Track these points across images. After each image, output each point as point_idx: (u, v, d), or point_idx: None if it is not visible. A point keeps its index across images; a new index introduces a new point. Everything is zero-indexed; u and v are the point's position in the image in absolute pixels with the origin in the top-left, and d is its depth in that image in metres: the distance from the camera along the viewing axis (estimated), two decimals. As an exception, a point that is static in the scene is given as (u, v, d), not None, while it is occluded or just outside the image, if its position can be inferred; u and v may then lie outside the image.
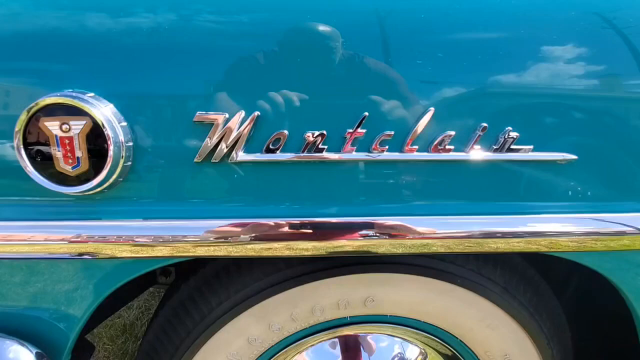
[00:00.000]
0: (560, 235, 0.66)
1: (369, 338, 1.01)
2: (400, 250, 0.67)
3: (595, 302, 1.08)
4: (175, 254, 0.62)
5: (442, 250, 0.66)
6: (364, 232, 0.64)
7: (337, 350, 1.01)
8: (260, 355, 0.89)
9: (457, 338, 0.92)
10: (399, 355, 1.04)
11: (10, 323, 0.67)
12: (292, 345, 0.91)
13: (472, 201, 0.64)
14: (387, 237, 0.64)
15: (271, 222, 0.63)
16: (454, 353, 0.99)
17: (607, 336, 1.03)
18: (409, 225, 0.63)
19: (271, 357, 0.91)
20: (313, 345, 0.95)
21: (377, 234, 0.64)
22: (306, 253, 0.65)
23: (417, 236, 0.64)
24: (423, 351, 1.03)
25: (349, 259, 0.80)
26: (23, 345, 0.66)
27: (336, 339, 0.98)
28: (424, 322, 0.90)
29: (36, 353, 0.66)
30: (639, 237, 0.66)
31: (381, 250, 0.66)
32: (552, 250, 0.67)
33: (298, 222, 0.63)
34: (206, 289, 0.85)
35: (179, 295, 0.88)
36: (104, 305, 1.13)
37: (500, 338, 0.90)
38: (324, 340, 0.95)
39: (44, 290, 0.67)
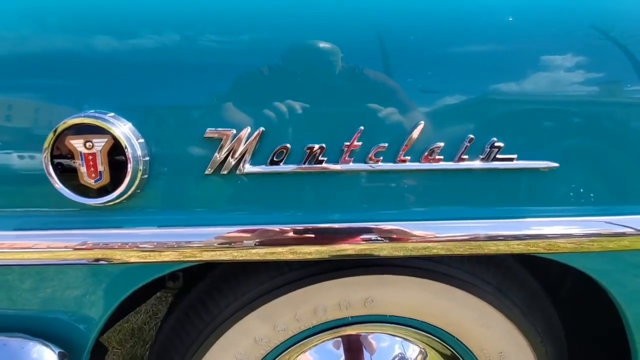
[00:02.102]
0: (543, 237, 0.71)
1: (370, 338, 1.06)
2: (396, 253, 0.72)
3: (586, 303, 1.12)
4: (188, 259, 0.67)
5: (437, 252, 0.71)
6: (363, 236, 0.69)
7: (340, 350, 1.05)
8: (267, 355, 0.94)
9: (454, 337, 0.96)
10: (400, 355, 1.08)
11: (35, 325, 0.72)
12: (296, 345, 0.96)
13: (461, 206, 0.69)
14: (384, 241, 0.69)
15: (276, 228, 0.68)
16: (453, 353, 1.03)
17: (599, 335, 1.06)
18: (403, 229, 0.69)
19: (277, 356, 0.96)
20: (317, 344, 1.00)
21: (376, 238, 0.69)
22: (309, 257, 0.70)
23: (412, 239, 0.69)
24: (423, 350, 1.07)
25: (348, 262, 0.85)
26: (47, 345, 0.71)
27: (339, 339, 1.03)
28: (421, 321, 0.94)
29: (59, 353, 0.71)
30: (618, 239, 0.71)
31: (381, 253, 0.71)
32: (536, 251, 0.72)
33: (301, 228, 0.68)
34: (215, 292, 0.90)
35: (189, 299, 0.94)
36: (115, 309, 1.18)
37: (495, 337, 0.94)
38: (327, 340, 1.00)
39: (64, 294, 0.72)
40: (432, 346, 1.04)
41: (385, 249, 0.71)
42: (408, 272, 0.87)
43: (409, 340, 1.05)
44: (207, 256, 0.68)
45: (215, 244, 0.67)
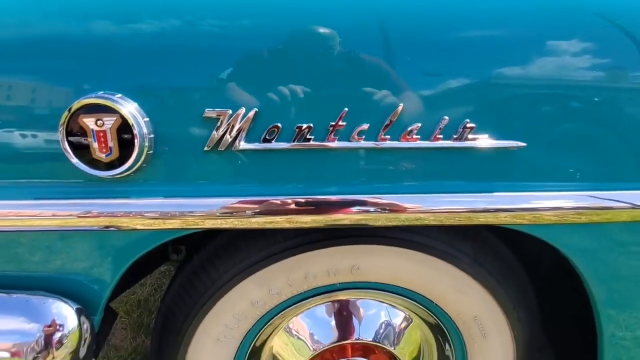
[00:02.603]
0: (510, 210, 0.78)
1: (358, 304, 1.15)
2: (378, 223, 0.79)
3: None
4: (190, 227, 0.75)
5: (411, 222, 0.79)
6: (355, 207, 0.76)
7: (331, 317, 1.14)
8: (262, 316, 1.03)
9: (433, 302, 1.05)
10: (386, 321, 1.18)
11: (55, 285, 0.81)
12: (289, 308, 1.05)
13: (436, 181, 0.77)
14: (367, 212, 0.76)
15: (271, 199, 0.75)
16: (435, 320, 1.12)
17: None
18: (384, 201, 0.76)
19: (271, 318, 1.05)
20: (309, 308, 1.09)
21: (359, 210, 0.76)
22: (305, 225, 0.78)
23: (386, 210, 0.77)
24: (408, 317, 1.16)
25: (337, 233, 0.93)
26: (65, 302, 0.80)
27: (329, 305, 1.12)
28: (403, 288, 1.03)
29: (76, 309, 0.80)
30: (578, 212, 0.78)
31: (366, 222, 0.78)
32: (504, 222, 0.79)
33: (295, 199, 0.75)
34: (215, 259, 0.99)
35: (192, 265, 1.02)
36: (123, 278, 1.28)
37: (470, 302, 1.03)
38: (318, 304, 1.09)
39: (80, 257, 0.81)
40: (416, 312, 1.14)
41: (369, 220, 0.78)
42: (391, 242, 0.95)
43: (394, 307, 1.14)
44: (209, 224, 0.76)
45: (217, 214, 0.75)
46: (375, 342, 1.10)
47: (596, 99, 0.76)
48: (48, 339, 0.77)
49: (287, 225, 0.79)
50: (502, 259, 1.06)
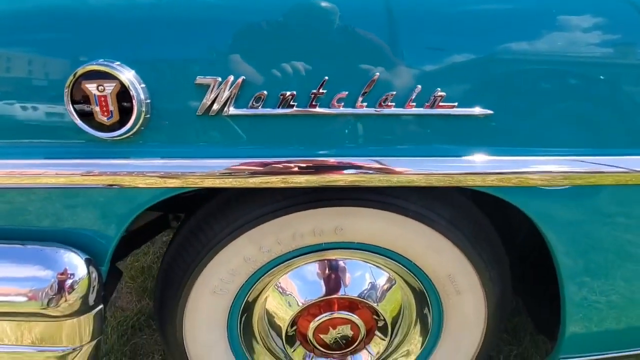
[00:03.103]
0: (478, 173, 0.85)
1: (344, 263, 1.23)
2: (356, 183, 0.86)
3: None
4: (188, 185, 0.83)
5: (382, 184, 0.86)
6: (345, 170, 0.82)
7: (319, 275, 1.23)
8: (254, 272, 1.12)
9: (411, 261, 1.14)
10: (371, 281, 1.27)
11: (67, 238, 0.90)
12: (280, 266, 1.14)
13: (410, 145, 0.84)
14: (342, 174, 0.84)
15: (260, 160, 0.82)
16: (417, 283, 1.21)
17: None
18: (358, 163, 0.84)
19: (263, 274, 1.15)
20: (298, 266, 1.18)
21: (335, 170, 0.84)
22: (299, 185, 0.84)
23: (369, 172, 0.84)
24: (391, 278, 1.25)
25: (322, 196, 1.01)
26: (76, 252, 0.89)
27: (317, 264, 1.21)
28: (384, 248, 1.12)
29: (85, 259, 0.90)
30: (539, 176, 0.86)
31: (341, 183, 0.85)
32: (472, 185, 0.87)
33: (288, 161, 0.82)
34: (211, 219, 1.07)
35: (189, 225, 1.11)
36: (128, 238, 1.37)
37: (444, 261, 1.12)
38: (307, 263, 1.18)
39: (87, 213, 0.89)
40: (398, 273, 1.23)
41: (338, 180, 0.85)
42: (373, 205, 1.03)
43: (379, 267, 1.23)
44: (208, 183, 0.83)
45: (217, 174, 0.82)
46: (360, 298, 1.20)
47: (560, 68, 0.81)
48: (61, 284, 0.86)
49: (281, 185, 0.86)
50: (476, 223, 1.14)
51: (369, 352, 1.31)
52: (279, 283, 1.20)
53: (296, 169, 0.83)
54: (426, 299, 1.23)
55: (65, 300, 0.87)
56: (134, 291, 2.17)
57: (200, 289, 1.11)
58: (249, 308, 1.22)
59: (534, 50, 0.79)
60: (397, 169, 0.84)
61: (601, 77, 0.83)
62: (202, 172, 0.83)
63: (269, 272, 1.15)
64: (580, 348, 1.20)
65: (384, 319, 1.22)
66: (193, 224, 1.10)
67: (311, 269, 1.20)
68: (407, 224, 1.06)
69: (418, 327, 1.29)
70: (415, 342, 1.31)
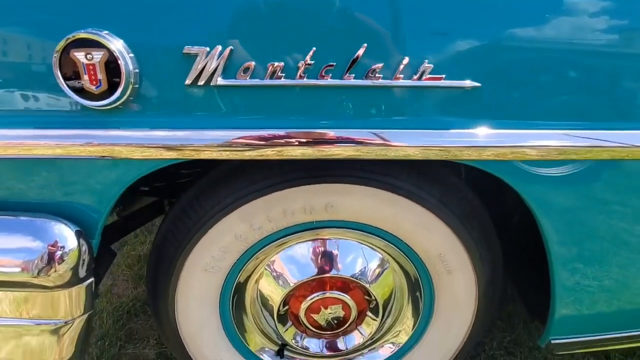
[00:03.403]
0: (467, 147, 0.86)
1: (337, 243, 1.23)
2: (346, 156, 0.86)
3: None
4: (184, 157, 0.83)
5: (370, 156, 0.86)
6: (337, 142, 0.82)
7: (312, 259, 1.24)
8: (246, 250, 1.13)
9: (402, 240, 1.15)
10: (364, 262, 1.27)
11: (57, 209, 0.90)
12: (272, 245, 1.15)
13: (397, 117, 0.84)
14: (329, 146, 0.84)
15: (261, 133, 0.82)
16: (411, 269, 1.22)
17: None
18: (348, 136, 0.84)
19: (255, 253, 1.15)
20: (290, 245, 1.19)
21: (323, 142, 0.84)
22: (294, 157, 0.83)
23: (357, 145, 0.85)
24: (385, 260, 1.25)
25: (313, 172, 1.02)
26: (66, 224, 0.89)
27: (310, 245, 1.21)
28: (375, 227, 1.12)
29: (76, 230, 0.90)
30: (529, 149, 0.86)
31: (332, 155, 0.85)
32: (457, 158, 0.87)
33: (285, 132, 0.82)
34: (202, 196, 1.08)
35: (181, 202, 1.12)
36: (120, 225, 1.37)
37: (435, 240, 1.12)
38: (299, 242, 1.19)
39: (77, 184, 0.90)
40: (391, 254, 1.23)
41: (335, 154, 0.86)
42: (363, 182, 1.03)
43: (373, 249, 1.23)
44: (204, 155, 0.83)
45: (213, 145, 0.81)
46: (353, 278, 1.20)
47: (551, 41, 0.81)
48: (51, 255, 0.87)
49: (276, 157, 0.85)
50: (467, 202, 1.14)
51: (361, 333, 1.32)
52: (272, 262, 1.20)
53: (292, 140, 0.83)
54: (418, 282, 1.23)
55: (55, 271, 0.88)
56: (130, 279, 2.18)
57: (192, 266, 1.12)
58: (241, 287, 1.23)
59: (524, 23, 0.80)
60: (393, 143, 0.84)
61: (595, 49, 0.83)
62: (193, 143, 0.83)
63: (261, 251, 1.15)
64: (570, 330, 1.20)
65: (376, 300, 1.23)
66: (184, 202, 1.11)
67: (303, 248, 1.20)
68: (398, 202, 1.06)
69: (410, 308, 1.30)
70: (407, 323, 1.32)
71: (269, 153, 0.85)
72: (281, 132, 0.83)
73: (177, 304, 1.17)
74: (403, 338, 1.33)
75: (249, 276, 1.23)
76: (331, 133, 0.84)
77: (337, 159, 0.87)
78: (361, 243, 1.22)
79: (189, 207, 1.09)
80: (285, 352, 1.36)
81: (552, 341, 1.23)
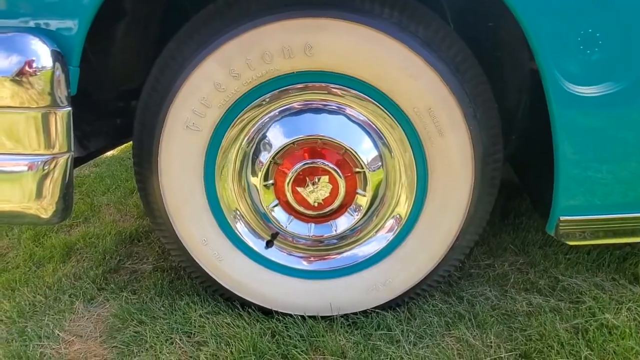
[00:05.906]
0: None
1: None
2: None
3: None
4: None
5: None
6: None
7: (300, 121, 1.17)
8: (228, 108, 1.10)
9: (387, 96, 1.08)
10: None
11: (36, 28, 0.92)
12: (253, 105, 1.12)
13: None
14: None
15: None
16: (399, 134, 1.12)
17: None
18: None
19: (238, 114, 1.12)
20: (277, 108, 1.14)
21: None
22: None
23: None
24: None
25: (289, 7, 0.99)
26: (44, 42, 0.91)
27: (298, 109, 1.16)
28: (356, 78, 1.06)
29: (52, 50, 0.91)
30: None
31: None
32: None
33: None
34: (181, 44, 1.08)
35: (162, 55, 1.12)
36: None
37: (422, 90, 1.05)
38: (286, 105, 1.15)
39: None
40: (378, 127, 1.15)
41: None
42: (342, 16, 0.99)
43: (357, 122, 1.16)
44: None
45: None
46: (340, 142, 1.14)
47: None
48: (27, 67, 0.89)
49: None
50: (458, 49, 1.07)
51: (350, 214, 1.25)
52: (258, 125, 1.16)
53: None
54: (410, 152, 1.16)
55: (30, 84, 0.89)
56: (137, 216, 2.21)
57: (174, 125, 1.11)
58: (225, 151, 1.18)
59: None
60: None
61: None
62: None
63: (245, 109, 1.12)
64: (577, 208, 1.10)
65: (364, 172, 1.16)
66: (166, 54, 1.11)
67: (289, 113, 1.17)
68: (379, 41, 1.01)
69: (404, 185, 1.21)
70: (402, 205, 1.23)
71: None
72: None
73: (161, 169, 1.15)
74: (400, 221, 1.24)
75: (235, 139, 1.17)
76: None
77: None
78: (349, 119, 1.17)
79: (170, 58, 1.10)
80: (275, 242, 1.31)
81: (561, 218, 1.12)
